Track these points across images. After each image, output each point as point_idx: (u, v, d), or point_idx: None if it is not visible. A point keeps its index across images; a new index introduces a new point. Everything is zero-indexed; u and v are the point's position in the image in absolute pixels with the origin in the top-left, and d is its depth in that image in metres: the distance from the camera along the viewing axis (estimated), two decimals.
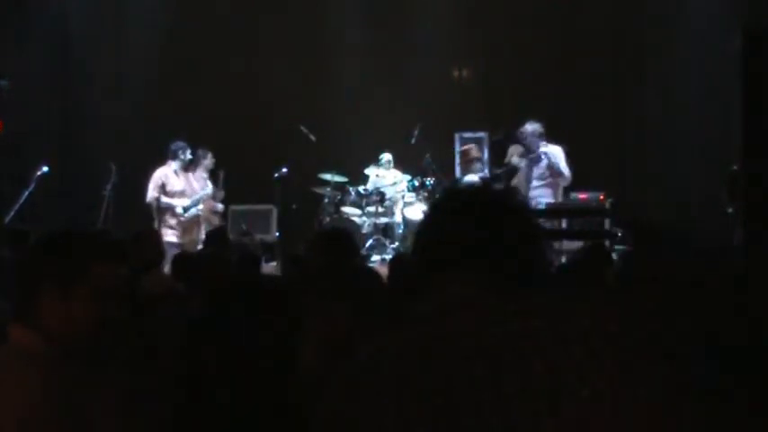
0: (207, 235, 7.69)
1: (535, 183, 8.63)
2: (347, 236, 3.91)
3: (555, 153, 8.54)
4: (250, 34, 11.29)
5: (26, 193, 8.66)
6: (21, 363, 1.98)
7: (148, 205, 8.92)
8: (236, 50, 11.24)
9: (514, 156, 9.25)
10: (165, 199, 8.87)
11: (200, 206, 9.16)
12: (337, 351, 2.89)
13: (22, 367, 1.97)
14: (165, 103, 11.11)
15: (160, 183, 8.90)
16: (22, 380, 1.94)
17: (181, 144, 9.08)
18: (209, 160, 9.48)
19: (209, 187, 9.31)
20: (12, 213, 8.56)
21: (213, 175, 9.59)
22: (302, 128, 10.53)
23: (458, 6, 11.37)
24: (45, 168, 8.78)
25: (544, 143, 8.60)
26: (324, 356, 2.45)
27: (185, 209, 8.97)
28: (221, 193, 9.74)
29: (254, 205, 10.38)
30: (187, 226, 8.99)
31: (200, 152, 9.45)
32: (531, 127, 8.61)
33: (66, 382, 1.97)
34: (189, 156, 9.12)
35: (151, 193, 8.89)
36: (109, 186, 9.06)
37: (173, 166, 9.04)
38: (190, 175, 9.23)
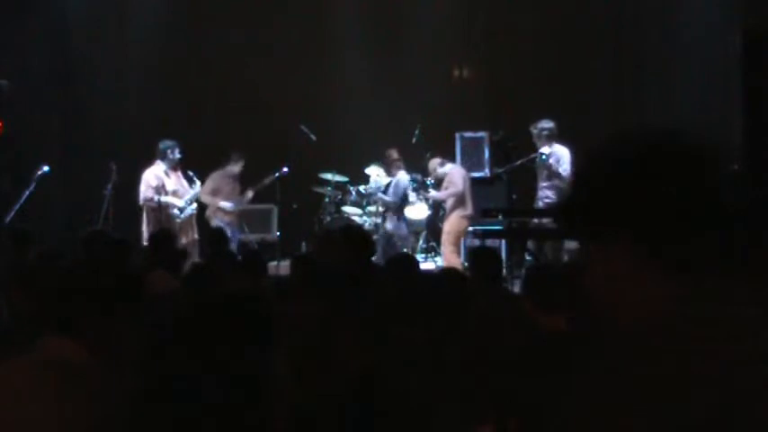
0: (209, 235, 7.67)
1: (542, 183, 8.65)
2: (365, 233, 3.82)
3: (561, 155, 8.50)
4: (250, 34, 11.28)
5: (26, 193, 8.66)
6: (61, 375, 1.96)
7: (141, 207, 8.82)
8: (237, 50, 11.23)
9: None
10: (165, 198, 8.78)
11: (194, 205, 9.14)
12: (309, 356, 2.84)
13: (63, 380, 1.95)
14: (166, 104, 11.10)
15: (156, 183, 8.77)
16: (64, 393, 1.93)
17: (170, 143, 8.95)
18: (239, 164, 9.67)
19: (197, 186, 9.23)
20: (12, 213, 8.56)
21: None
22: (302, 128, 10.53)
23: (458, 6, 11.36)
24: (45, 168, 8.78)
25: (550, 144, 8.58)
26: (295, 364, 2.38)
27: (181, 210, 8.92)
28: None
29: (254, 205, 10.36)
30: (182, 225, 8.92)
31: (234, 155, 9.61)
32: (540, 126, 8.61)
33: (109, 394, 1.95)
34: (178, 155, 8.99)
35: (145, 193, 8.75)
36: (109, 186, 9.04)
37: (162, 166, 8.90)
38: (179, 174, 9.13)
